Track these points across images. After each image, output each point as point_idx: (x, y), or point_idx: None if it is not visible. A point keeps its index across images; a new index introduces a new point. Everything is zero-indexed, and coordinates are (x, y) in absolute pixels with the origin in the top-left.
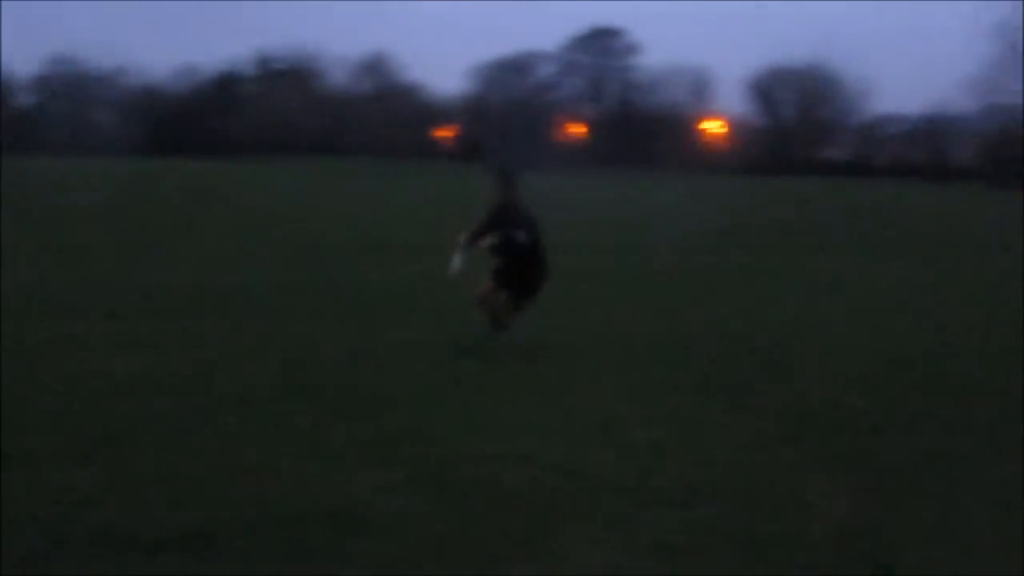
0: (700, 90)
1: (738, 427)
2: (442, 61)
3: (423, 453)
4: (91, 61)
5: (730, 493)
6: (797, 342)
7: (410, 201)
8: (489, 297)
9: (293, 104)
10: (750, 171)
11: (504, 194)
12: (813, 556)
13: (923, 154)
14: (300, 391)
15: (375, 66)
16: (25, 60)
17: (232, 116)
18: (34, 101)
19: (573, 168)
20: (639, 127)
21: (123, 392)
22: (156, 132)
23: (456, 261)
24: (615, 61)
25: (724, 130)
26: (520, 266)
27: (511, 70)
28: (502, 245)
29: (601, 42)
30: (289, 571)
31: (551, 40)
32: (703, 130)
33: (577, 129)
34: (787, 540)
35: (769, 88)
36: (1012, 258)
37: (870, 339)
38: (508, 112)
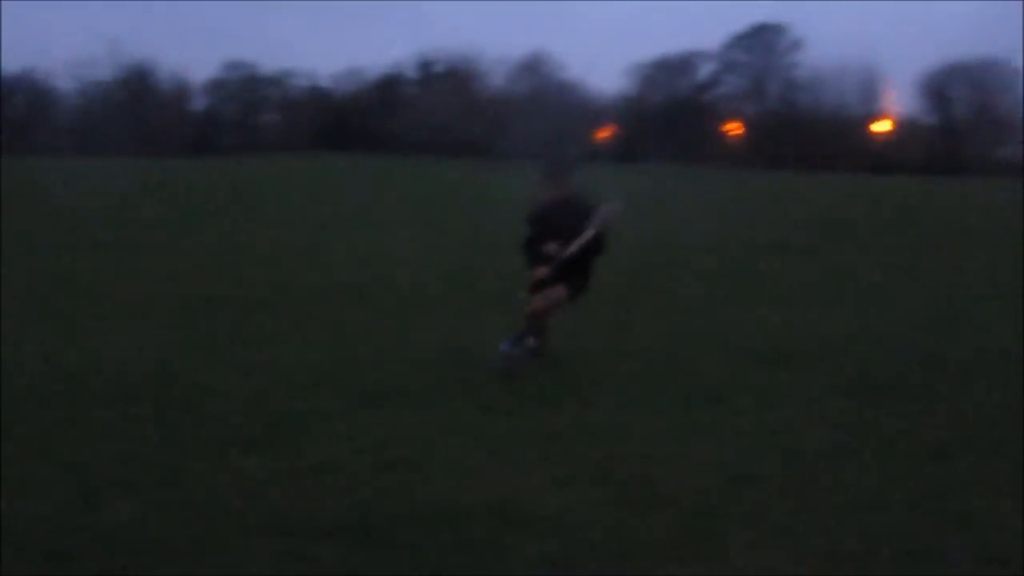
0: (868, 88)
1: (910, 433)
2: (600, 61)
3: (585, 451)
4: (262, 65)
5: (904, 502)
6: (959, 345)
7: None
8: (550, 303)
9: (452, 106)
10: (920, 171)
11: (555, 189)
12: (996, 570)
13: None
14: (460, 385)
15: (533, 66)
16: (200, 66)
17: (393, 118)
18: (208, 104)
19: (732, 168)
20: (801, 126)
21: (290, 384)
22: (320, 132)
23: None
24: (777, 59)
25: (889, 129)
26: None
27: (670, 69)
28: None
29: (763, 39)
30: (450, 565)
31: (712, 39)
32: (871, 130)
33: (735, 128)
34: (967, 553)
35: (942, 86)
36: None
37: None
38: (666, 111)
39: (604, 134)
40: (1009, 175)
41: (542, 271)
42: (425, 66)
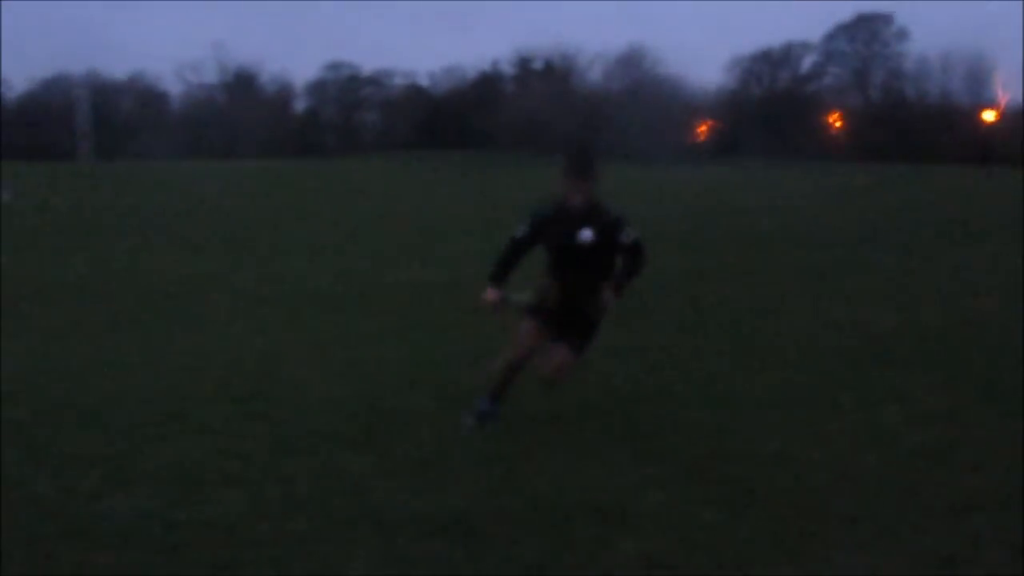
0: (975, 77)
1: (1011, 431)
2: (700, 55)
3: (684, 449)
4: (363, 65)
5: (1012, 502)
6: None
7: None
8: (555, 369)
9: (550, 101)
10: None
11: (576, 192)
12: None
13: None
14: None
15: (632, 60)
16: (302, 67)
17: (492, 115)
18: (309, 105)
19: (834, 162)
20: (907, 118)
21: (390, 382)
22: (419, 130)
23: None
24: (881, 48)
25: (995, 119)
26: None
27: (771, 62)
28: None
29: (866, 29)
30: (550, 563)
31: (814, 31)
32: (982, 120)
33: (838, 121)
34: None
35: None
36: None
37: None
38: (766, 105)
39: (703, 129)
40: None
41: (493, 296)
42: (523, 63)
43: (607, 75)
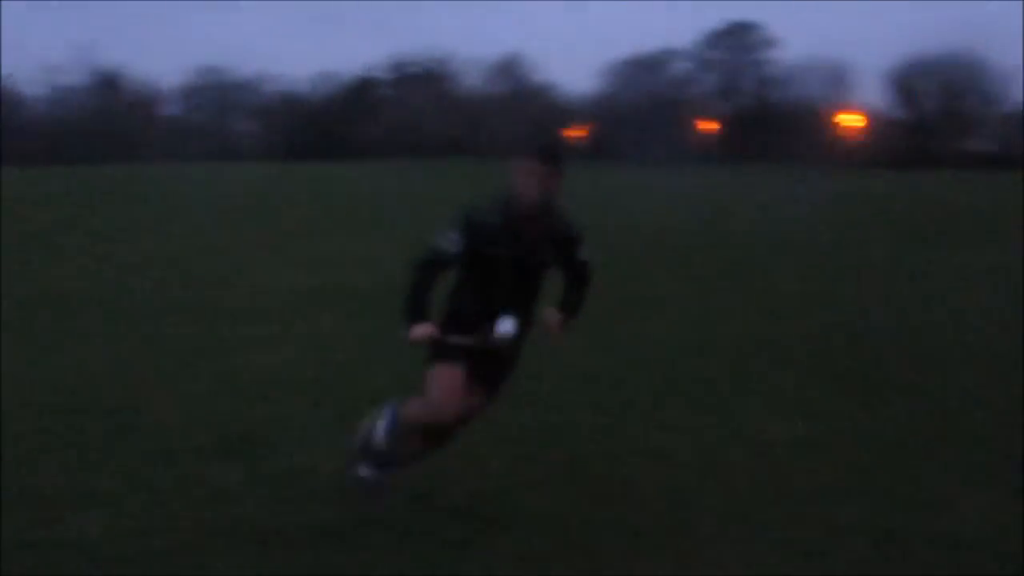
0: (837, 84)
1: (879, 426)
2: (577, 61)
3: (560, 450)
4: (234, 70)
5: (871, 493)
6: (938, 339)
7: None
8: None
9: (426, 107)
10: (890, 165)
11: (540, 185)
12: (958, 557)
13: None
14: None
15: (508, 68)
16: (171, 72)
17: (368, 121)
18: (179, 110)
19: (706, 164)
20: (773, 122)
21: (262, 390)
22: (293, 137)
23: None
24: (751, 56)
25: (862, 124)
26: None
27: (644, 67)
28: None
29: (737, 37)
30: (425, 565)
31: (687, 38)
32: (839, 124)
33: (710, 125)
34: (931, 541)
35: (909, 80)
36: None
37: (1012, 337)
38: (640, 109)
39: (575, 133)
40: (976, 168)
41: (426, 331)
42: (398, 67)
43: (485, 81)
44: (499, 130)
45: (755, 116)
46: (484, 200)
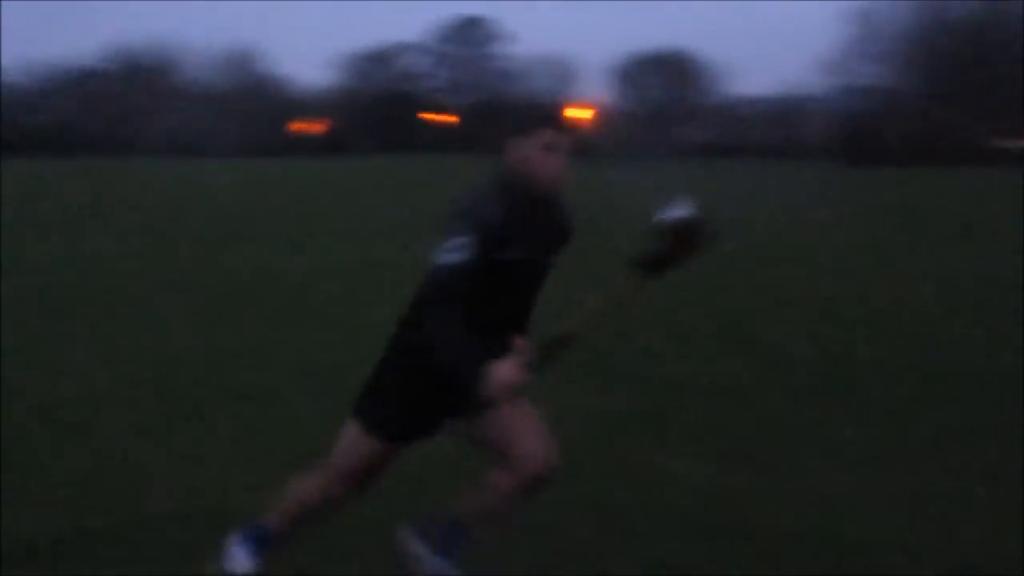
0: (566, 78)
1: (601, 407)
2: (313, 54)
3: (287, 448)
4: None
5: (589, 470)
6: (654, 320)
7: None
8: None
9: (149, 100)
10: (615, 155)
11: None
12: (675, 524)
13: (779, 133)
14: (152, 389)
15: (239, 61)
16: None
17: (87, 114)
18: None
19: (440, 155)
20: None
21: None
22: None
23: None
24: (484, 50)
25: (590, 116)
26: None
27: (378, 60)
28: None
29: (469, 32)
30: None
31: (424, 31)
32: (575, 117)
33: (444, 118)
34: (647, 510)
35: (633, 74)
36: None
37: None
38: (374, 103)
39: (310, 127)
40: (702, 156)
41: (512, 370)
42: (121, 59)
43: (214, 74)
44: (226, 126)
45: (485, 109)
46: (473, 192)
